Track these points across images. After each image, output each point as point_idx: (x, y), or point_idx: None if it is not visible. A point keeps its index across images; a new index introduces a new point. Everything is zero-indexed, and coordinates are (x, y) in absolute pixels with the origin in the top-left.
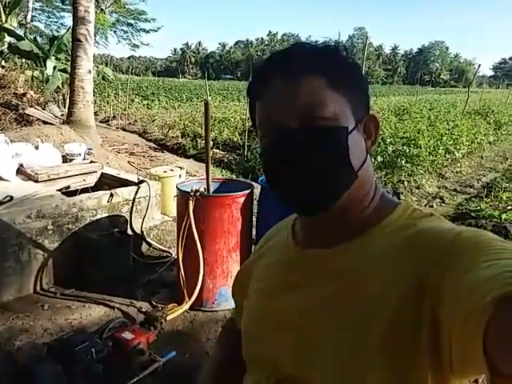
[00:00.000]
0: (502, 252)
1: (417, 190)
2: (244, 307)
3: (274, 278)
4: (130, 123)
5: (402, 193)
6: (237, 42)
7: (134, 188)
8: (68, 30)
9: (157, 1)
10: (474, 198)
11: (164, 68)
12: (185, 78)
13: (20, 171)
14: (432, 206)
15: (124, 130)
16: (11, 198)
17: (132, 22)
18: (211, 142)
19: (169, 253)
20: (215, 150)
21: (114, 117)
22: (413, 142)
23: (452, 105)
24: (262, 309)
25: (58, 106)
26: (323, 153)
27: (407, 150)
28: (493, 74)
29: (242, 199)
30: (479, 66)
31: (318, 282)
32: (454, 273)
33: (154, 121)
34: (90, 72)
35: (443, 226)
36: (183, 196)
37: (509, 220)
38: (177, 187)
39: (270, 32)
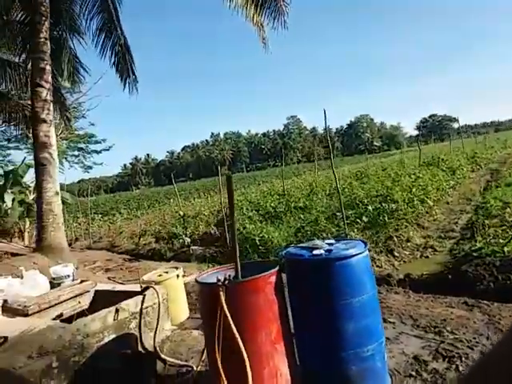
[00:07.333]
0: None
1: (408, 244)
2: None
3: None
4: (94, 241)
5: (393, 249)
6: (183, 148)
7: (140, 297)
8: (23, 162)
9: (103, 121)
10: (462, 241)
11: (116, 184)
12: (138, 188)
13: (5, 308)
14: (427, 257)
15: (90, 248)
16: (5, 338)
17: (83, 145)
18: (189, 239)
19: (188, 367)
20: (193, 247)
21: (77, 239)
22: (388, 197)
23: (400, 162)
24: None
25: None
26: None
27: (386, 206)
28: (417, 133)
29: (273, 278)
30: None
31: None
32: None
33: (121, 233)
34: (57, 194)
35: None
36: (211, 289)
37: None
38: (198, 282)
39: (212, 134)
